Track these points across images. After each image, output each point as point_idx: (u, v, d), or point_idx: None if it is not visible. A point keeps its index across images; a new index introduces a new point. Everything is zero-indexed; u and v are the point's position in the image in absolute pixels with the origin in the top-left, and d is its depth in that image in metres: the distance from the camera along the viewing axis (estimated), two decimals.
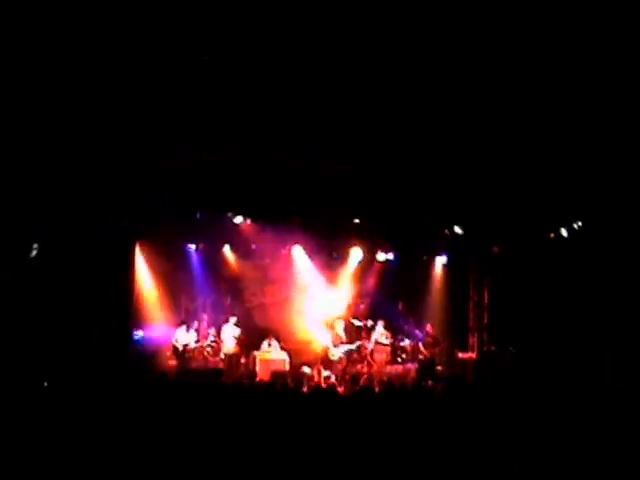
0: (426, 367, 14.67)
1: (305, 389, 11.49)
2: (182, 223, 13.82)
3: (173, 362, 14.49)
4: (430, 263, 17.04)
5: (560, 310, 14.00)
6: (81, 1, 7.45)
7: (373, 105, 9.86)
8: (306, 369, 13.99)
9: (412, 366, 15.04)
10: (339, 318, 15.54)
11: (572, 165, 11.37)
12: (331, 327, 15.29)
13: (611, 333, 13.13)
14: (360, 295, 16.32)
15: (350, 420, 6.98)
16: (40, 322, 11.53)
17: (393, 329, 15.62)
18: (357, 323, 15.66)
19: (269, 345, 14.82)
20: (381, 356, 15.01)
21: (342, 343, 15.02)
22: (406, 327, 15.75)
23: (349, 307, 16.01)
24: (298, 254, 15.87)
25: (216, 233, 14.92)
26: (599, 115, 9.99)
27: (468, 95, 9.58)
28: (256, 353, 14.70)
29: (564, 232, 14.00)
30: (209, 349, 14.82)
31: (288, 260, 15.97)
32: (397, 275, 16.27)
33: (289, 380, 12.41)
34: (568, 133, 10.53)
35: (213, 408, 7.25)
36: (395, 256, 16.35)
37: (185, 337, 14.72)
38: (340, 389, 12.16)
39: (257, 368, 14.29)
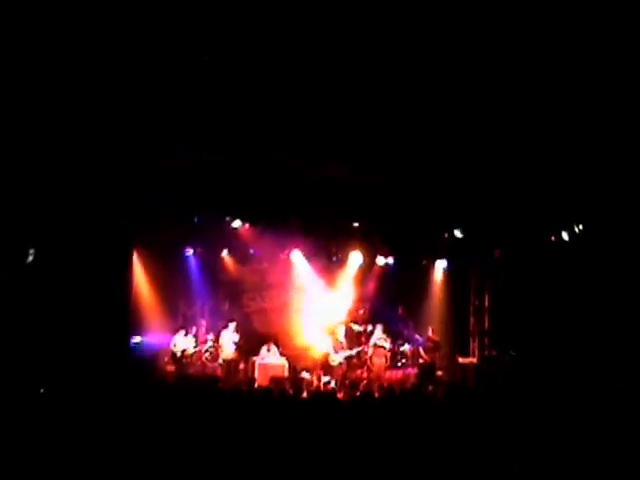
0: (426, 372, 14.61)
1: (305, 394, 11.42)
2: (180, 227, 13.77)
3: (171, 368, 14.41)
4: (430, 267, 16.98)
5: (561, 314, 13.94)
6: (81, 1, 7.42)
7: (373, 108, 9.82)
8: (305, 375, 13.97)
9: (412, 371, 14.99)
10: (340, 323, 15.46)
11: (573, 167, 11.31)
12: (332, 333, 15.23)
13: (612, 336, 13.07)
14: (360, 300, 16.23)
15: (351, 425, 6.95)
16: (37, 328, 11.49)
17: (393, 334, 15.55)
18: (357, 328, 15.59)
19: (268, 350, 14.74)
20: (380, 360, 14.91)
21: (343, 349, 14.96)
22: (406, 332, 15.66)
23: (349, 312, 15.93)
24: (297, 258, 15.82)
25: (214, 237, 14.87)
26: (599, 118, 9.93)
27: (469, 98, 9.54)
28: (255, 359, 14.61)
29: (565, 236, 13.91)
30: (207, 354, 14.74)
31: (287, 264, 15.92)
32: (397, 279, 16.22)
33: (288, 386, 12.33)
34: (568, 136, 10.48)
35: (210, 414, 7.17)
36: (395, 260, 16.30)
37: (183, 342, 14.66)
38: (340, 394, 12.08)
39: (256, 374, 14.18)
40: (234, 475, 6.17)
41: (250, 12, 7.48)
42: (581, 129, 10.27)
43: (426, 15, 7.77)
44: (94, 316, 12.20)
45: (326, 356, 14.73)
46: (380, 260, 16.27)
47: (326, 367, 14.51)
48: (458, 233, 14.85)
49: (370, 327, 15.46)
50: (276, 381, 12.96)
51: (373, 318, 15.79)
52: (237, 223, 14.30)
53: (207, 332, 15.13)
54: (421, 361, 15.13)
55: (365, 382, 13.11)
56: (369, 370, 14.81)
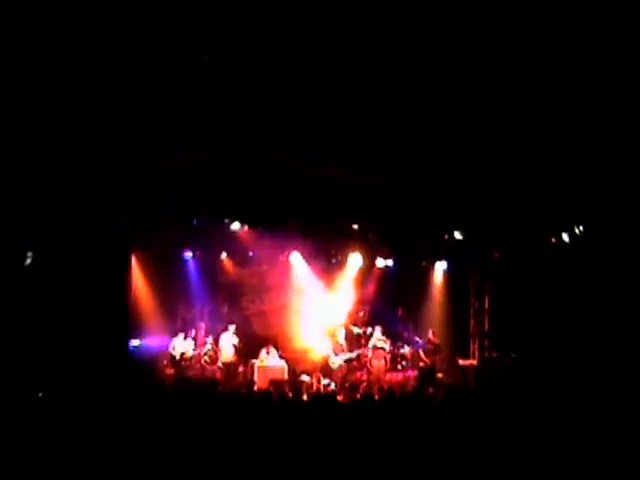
0: (426, 374, 14.57)
1: (305, 397, 11.38)
2: (179, 230, 13.75)
3: (170, 371, 14.38)
4: (430, 269, 16.92)
5: (562, 316, 13.89)
6: (81, 1, 7.40)
7: (372, 109, 9.79)
8: (305, 377, 13.93)
9: (412, 373, 14.94)
10: (340, 326, 15.42)
11: (574, 168, 11.28)
12: (332, 335, 15.18)
13: (613, 337, 13.02)
14: (360, 302, 16.19)
15: (351, 428, 6.93)
16: (36, 330, 11.47)
17: (393, 336, 15.50)
18: (356, 330, 15.56)
19: (267, 353, 14.69)
20: (379, 362, 14.85)
21: (343, 351, 14.93)
22: (406, 334, 15.62)
23: (349, 314, 15.88)
24: (296, 260, 15.77)
25: (213, 240, 14.84)
26: (599, 119, 9.90)
27: (469, 100, 9.52)
28: (254, 361, 14.56)
29: (565, 237, 13.87)
30: (206, 357, 14.70)
31: (286, 266, 15.88)
32: (397, 281, 16.17)
33: (288, 389, 12.29)
34: (568, 138, 10.46)
35: (209, 417, 7.15)
36: (395, 262, 16.25)
37: (182, 345, 14.63)
38: (340, 397, 12.04)
39: (255, 376, 14.14)
40: (235, 478, 6.14)
41: (250, 12, 7.47)
42: (580, 130, 10.24)
43: (426, 15, 7.75)
44: (93, 319, 12.19)
45: (326, 359, 14.69)
46: (380, 262, 16.22)
47: (326, 370, 14.46)
48: (458, 234, 14.82)
49: (370, 330, 15.40)
50: (276, 384, 12.92)
51: (373, 320, 15.75)
52: (236, 225, 14.26)
53: (206, 335, 15.10)
54: (421, 364, 15.10)
55: (365, 384, 13.07)
56: (369, 372, 14.76)
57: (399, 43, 8.07)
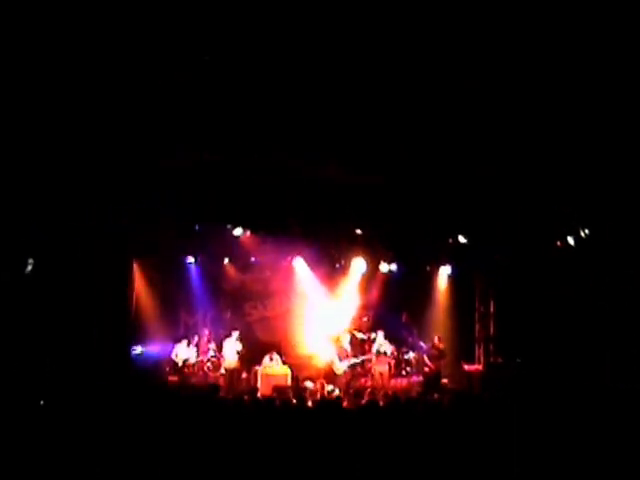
0: (431, 380, 14.50)
1: (309, 403, 11.30)
2: (181, 236, 13.71)
3: (173, 378, 14.30)
4: (434, 273, 16.84)
5: (567, 320, 13.82)
6: (81, 1, 7.41)
7: (374, 113, 9.79)
8: (308, 383, 13.87)
9: (417, 379, 14.88)
10: (345, 331, 15.36)
11: (578, 171, 11.23)
12: (337, 341, 15.12)
13: (620, 341, 12.94)
14: (364, 307, 16.13)
15: (356, 434, 6.90)
16: (36, 337, 11.44)
17: (397, 341, 15.42)
18: (360, 336, 15.49)
19: (271, 359, 14.66)
20: (382, 367, 14.76)
21: (347, 356, 14.88)
22: (410, 339, 15.52)
23: (353, 320, 15.82)
24: (299, 265, 15.72)
25: (215, 246, 14.79)
26: (604, 122, 9.88)
27: (474, 102, 9.51)
28: (257, 368, 14.49)
29: (571, 240, 13.79)
30: (209, 364, 14.62)
31: (289, 272, 15.84)
32: (401, 286, 16.09)
33: (291, 395, 12.20)
34: (573, 141, 10.43)
35: (212, 424, 7.10)
36: (398, 267, 16.16)
37: (185, 352, 14.57)
38: (344, 403, 11.93)
39: (259, 383, 14.11)
40: None
41: (250, 12, 7.47)
42: (585, 134, 10.23)
43: (426, 15, 7.72)
44: (94, 325, 12.17)
45: (330, 364, 14.65)
46: (384, 267, 16.14)
47: (330, 375, 14.42)
48: (462, 238, 14.73)
49: (374, 335, 15.32)
50: (279, 390, 12.90)
51: (377, 325, 15.68)
52: (238, 231, 14.22)
53: (209, 341, 15.02)
54: (426, 369, 15.00)
55: (369, 390, 12.97)
56: (373, 378, 14.67)
57: (401, 43, 8.04)
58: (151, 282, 14.77)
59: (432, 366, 14.95)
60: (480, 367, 16.01)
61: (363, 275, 16.14)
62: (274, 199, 12.30)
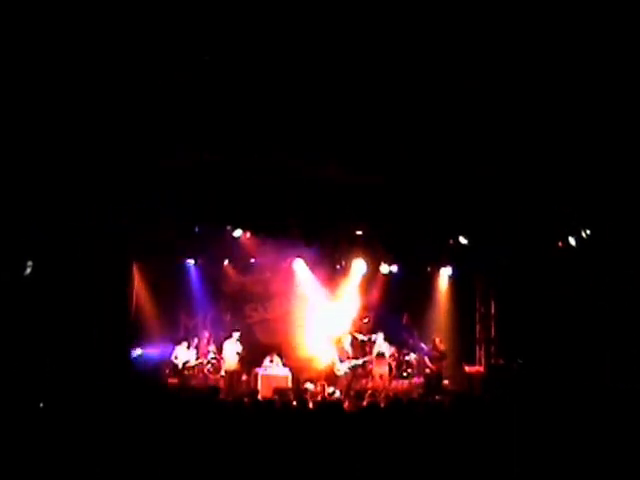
0: (432, 381, 14.47)
1: (310, 405, 11.28)
2: (181, 238, 13.69)
3: (173, 380, 14.29)
4: (435, 274, 16.84)
5: (568, 321, 13.79)
6: (81, 1, 7.40)
7: (374, 113, 9.76)
8: (309, 385, 13.85)
9: (418, 381, 14.86)
10: (346, 333, 15.33)
11: (580, 171, 11.21)
12: (337, 342, 15.12)
13: (621, 342, 12.91)
14: (364, 309, 16.11)
15: (357, 435, 6.86)
16: (36, 339, 11.42)
17: (398, 343, 15.41)
18: (361, 337, 15.48)
19: (271, 361, 14.66)
20: (382, 369, 14.75)
21: (348, 358, 14.89)
22: (411, 341, 15.50)
23: (354, 321, 15.80)
24: (299, 267, 15.70)
25: (215, 247, 14.78)
26: (605, 123, 9.85)
27: (476, 102, 9.48)
28: (258, 370, 14.48)
29: (572, 241, 13.76)
30: (210, 366, 14.60)
31: (289, 273, 15.82)
32: (401, 287, 16.08)
33: (292, 397, 12.17)
34: (573, 142, 10.40)
35: (212, 426, 7.06)
36: (399, 268, 16.15)
37: (185, 354, 14.56)
38: (345, 405, 11.90)
39: (259, 385, 14.09)
40: None
41: (250, 12, 7.45)
42: (586, 135, 10.20)
43: (426, 15, 7.71)
44: (94, 328, 12.13)
45: (331, 366, 14.65)
46: (384, 268, 16.13)
47: (331, 377, 14.42)
48: (463, 239, 14.71)
49: (374, 337, 15.32)
50: (280, 392, 12.87)
51: (377, 327, 15.68)
52: (238, 232, 14.20)
53: (209, 343, 15.00)
54: (427, 371, 14.97)
55: (370, 392, 12.96)
56: (374, 380, 14.64)
57: (402, 43, 8.02)
58: (151, 284, 14.75)
59: (433, 367, 14.92)
60: (481, 368, 15.99)
61: (363, 276, 16.14)
62: (274, 200, 12.28)
